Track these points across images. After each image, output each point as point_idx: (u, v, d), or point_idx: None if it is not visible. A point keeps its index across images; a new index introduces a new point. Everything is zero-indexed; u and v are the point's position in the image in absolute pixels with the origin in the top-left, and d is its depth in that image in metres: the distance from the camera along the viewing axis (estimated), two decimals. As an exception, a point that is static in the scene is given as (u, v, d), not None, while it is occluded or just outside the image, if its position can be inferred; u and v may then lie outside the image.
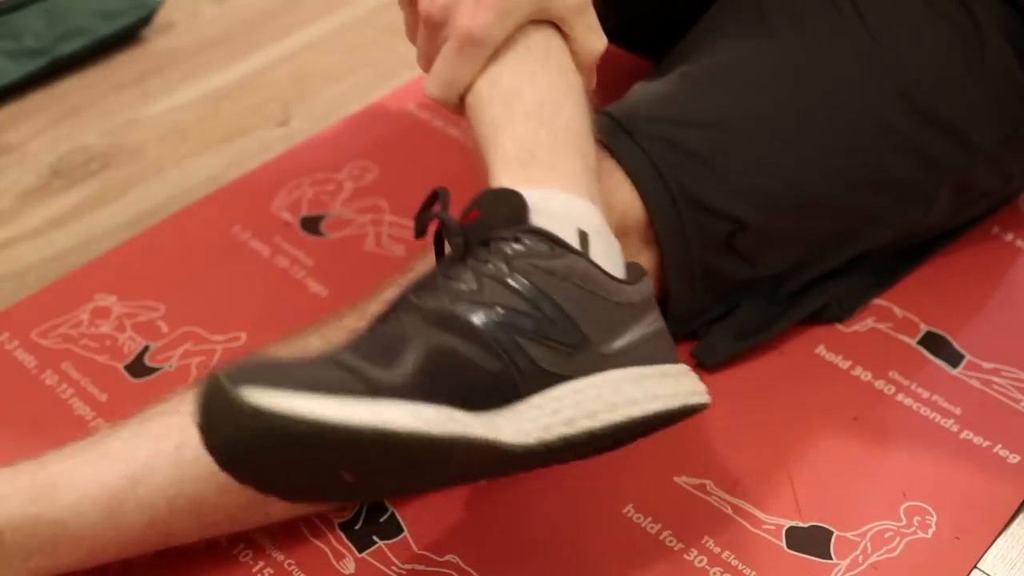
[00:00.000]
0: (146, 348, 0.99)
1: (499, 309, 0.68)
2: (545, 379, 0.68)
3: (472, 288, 0.69)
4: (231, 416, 0.60)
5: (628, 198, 0.87)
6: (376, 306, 0.82)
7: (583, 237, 0.73)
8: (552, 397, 0.68)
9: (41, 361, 0.98)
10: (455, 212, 0.74)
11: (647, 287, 0.75)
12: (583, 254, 0.72)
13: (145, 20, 1.36)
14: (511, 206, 0.72)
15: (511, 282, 0.69)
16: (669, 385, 0.73)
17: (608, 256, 0.74)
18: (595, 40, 0.79)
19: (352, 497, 0.73)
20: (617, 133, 0.89)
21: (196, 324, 1.00)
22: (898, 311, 1.00)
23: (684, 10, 1.01)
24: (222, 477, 0.75)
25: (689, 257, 0.89)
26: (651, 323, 0.74)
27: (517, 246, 0.70)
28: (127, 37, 1.35)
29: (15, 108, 1.27)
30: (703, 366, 0.94)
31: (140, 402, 0.92)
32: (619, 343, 0.71)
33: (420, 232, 0.75)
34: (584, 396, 0.69)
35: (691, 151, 0.88)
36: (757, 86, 0.91)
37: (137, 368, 0.97)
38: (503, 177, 0.74)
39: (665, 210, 0.87)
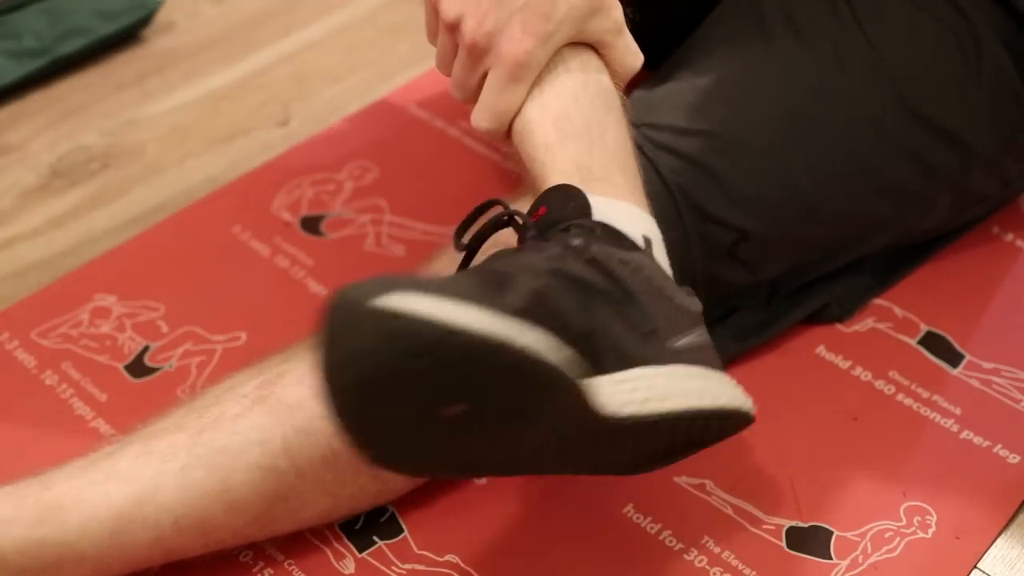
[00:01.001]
0: (146, 348, 0.99)
1: (587, 276, 0.68)
2: (623, 357, 0.68)
3: (557, 249, 0.69)
4: (363, 324, 0.60)
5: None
6: None
7: (647, 242, 0.74)
8: (630, 376, 0.68)
9: (41, 361, 0.98)
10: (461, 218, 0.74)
11: (698, 303, 0.76)
12: (651, 255, 0.73)
13: (145, 20, 1.36)
14: (577, 202, 0.72)
15: (592, 259, 0.69)
16: (728, 388, 0.74)
17: (665, 266, 0.75)
18: (632, 59, 0.80)
19: (445, 457, 0.68)
20: None
21: (196, 324, 1.00)
22: (898, 311, 1.00)
23: (683, 18, 1.01)
24: (229, 496, 0.76)
25: (693, 267, 0.89)
26: (703, 334, 0.75)
27: (593, 235, 0.71)
28: (127, 37, 1.35)
29: (15, 108, 1.27)
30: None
31: (140, 402, 0.93)
32: (682, 342, 0.72)
33: (468, 243, 0.75)
34: (657, 381, 0.69)
35: (695, 160, 0.88)
36: (758, 95, 0.91)
37: (137, 368, 0.97)
38: None
39: (670, 220, 0.87)
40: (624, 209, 0.74)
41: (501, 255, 0.71)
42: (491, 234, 0.75)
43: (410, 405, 0.62)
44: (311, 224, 1.10)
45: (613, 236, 0.72)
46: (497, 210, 0.75)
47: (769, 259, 0.92)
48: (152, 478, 0.75)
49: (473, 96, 0.80)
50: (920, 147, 0.93)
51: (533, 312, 0.64)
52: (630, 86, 0.90)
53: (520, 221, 0.73)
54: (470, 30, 0.76)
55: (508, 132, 0.79)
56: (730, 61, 0.92)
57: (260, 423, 0.77)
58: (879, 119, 0.91)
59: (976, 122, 0.94)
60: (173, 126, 1.24)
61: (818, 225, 0.93)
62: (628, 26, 0.80)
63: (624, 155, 0.78)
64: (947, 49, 0.93)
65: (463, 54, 0.78)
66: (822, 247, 0.95)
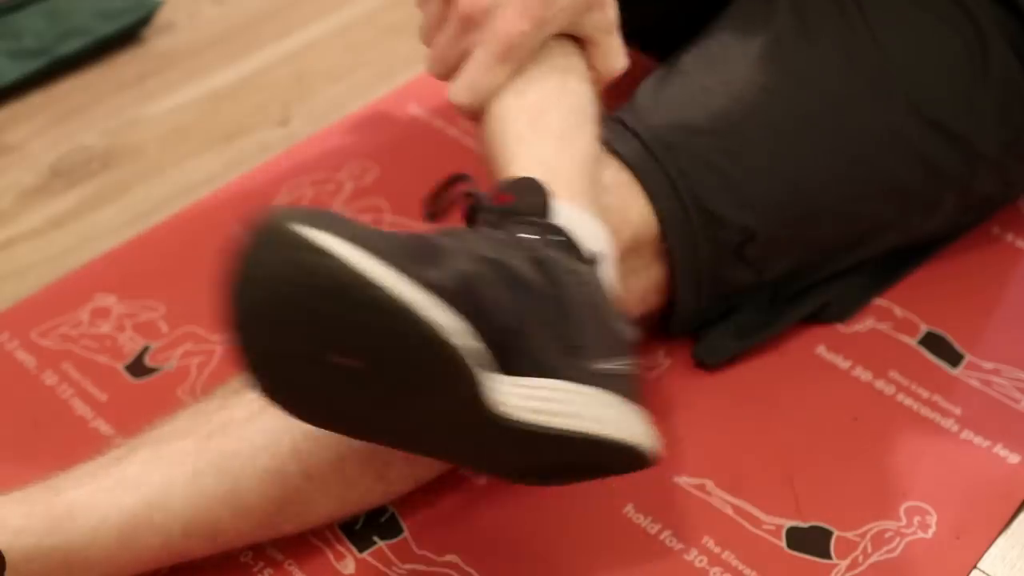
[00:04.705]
0: (146, 348, 0.99)
1: (528, 275, 0.67)
2: (536, 365, 0.67)
3: (508, 240, 0.69)
4: (281, 248, 0.59)
5: (644, 211, 0.87)
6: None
7: (598, 258, 0.73)
8: (530, 384, 0.67)
9: (41, 361, 0.98)
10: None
11: (633, 332, 0.74)
12: (598, 272, 0.72)
13: (145, 20, 1.36)
14: (541, 199, 0.72)
15: (540, 260, 0.68)
16: (636, 424, 0.71)
17: (610, 286, 0.74)
18: (616, 60, 0.80)
19: (332, 408, 0.68)
20: (628, 140, 0.88)
21: (196, 324, 1.00)
22: (898, 311, 1.00)
23: (692, 12, 1.00)
24: (238, 501, 0.75)
25: (699, 267, 0.89)
26: (631, 364, 0.73)
27: (549, 236, 0.70)
28: (127, 37, 1.35)
29: (15, 108, 1.27)
30: (704, 365, 0.94)
31: (140, 402, 0.93)
32: (605, 366, 0.70)
33: (435, 213, 0.74)
34: (556, 396, 0.67)
35: (703, 160, 0.88)
36: (768, 96, 0.91)
37: (137, 368, 0.97)
38: None
39: (678, 222, 0.87)
40: (584, 220, 0.73)
41: (451, 231, 0.69)
42: (453, 207, 0.74)
43: (305, 343, 0.62)
44: (311, 224, 1.10)
45: (567, 244, 0.71)
46: (465, 186, 0.74)
47: (775, 259, 0.92)
48: (161, 485, 0.75)
49: (449, 71, 0.79)
50: (927, 149, 0.93)
51: (453, 293, 0.63)
52: (634, 79, 0.91)
53: (481, 202, 0.72)
54: (467, 1, 0.76)
55: (480, 113, 0.79)
56: (739, 61, 0.92)
57: (268, 427, 0.77)
58: (887, 121, 0.92)
59: (982, 124, 0.94)
60: (173, 126, 1.24)
61: (825, 226, 0.93)
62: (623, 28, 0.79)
63: (591, 166, 0.78)
64: (954, 50, 0.93)
65: (454, 25, 0.77)
66: (827, 248, 0.95)
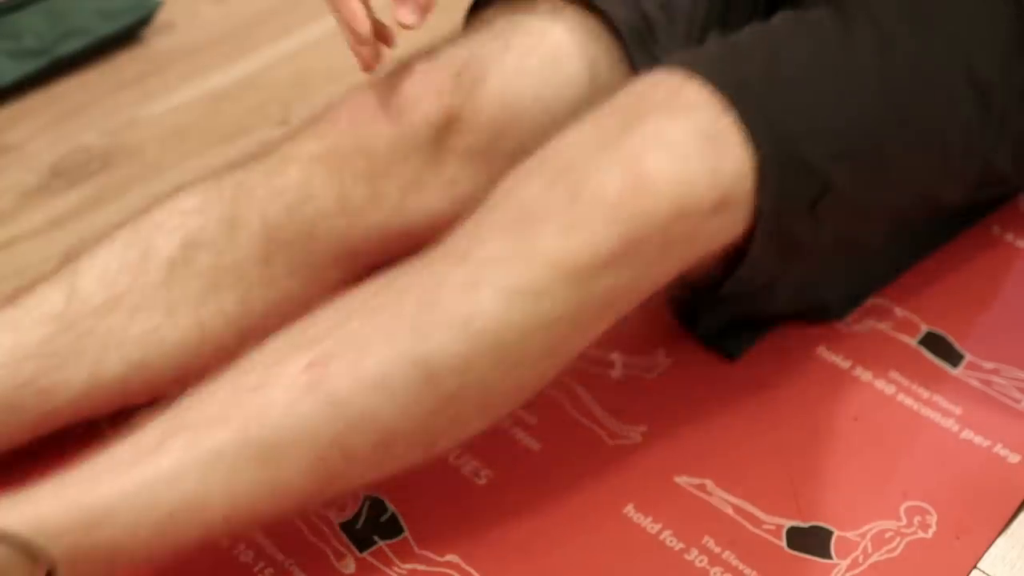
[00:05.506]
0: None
1: None
2: None
3: None
4: None
5: (741, 158, 0.82)
6: None
7: None
8: None
9: (41, 361, 0.98)
10: None
11: None
12: None
13: (145, 20, 1.36)
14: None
15: None
16: None
17: None
18: None
19: None
20: (727, 78, 0.83)
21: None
22: (898, 311, 1.00)
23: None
24: (279, 489, 0.75)
25: (780, 220, 0.85)
26: None
27: None
28: (127, 37, 1.35)
29: (15, 108, 1.27)
30: (729, 357, 0.96)
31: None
32: None
33: None
34: None
35: (798, 107, 0.85)
36: (846, 53, 0.88)
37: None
38: None
39: (774, 166, 0.83)
40: None
41: None
42: None
43: None
44: (311, 224, 1.10)
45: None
46: None
47: (834, 220, 0.89)
48: (201, 477, 0.74)
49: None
50: (972, 114, 0.91)
51: None
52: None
53: None
54: None
55: None
56: (811, 28, 0.90)
57: (311, 413, 0.75)
58: (950, 83, 0.90)
59: (1013, 100, 0.93)
60: (173, 126, 1.24)
61: (887, 188, 0.91)
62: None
63: None
64: (1004, 23, 0.92)
65: None
66: (874, 218, 0.93)
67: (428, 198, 0.92)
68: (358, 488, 0.83)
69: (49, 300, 0.86)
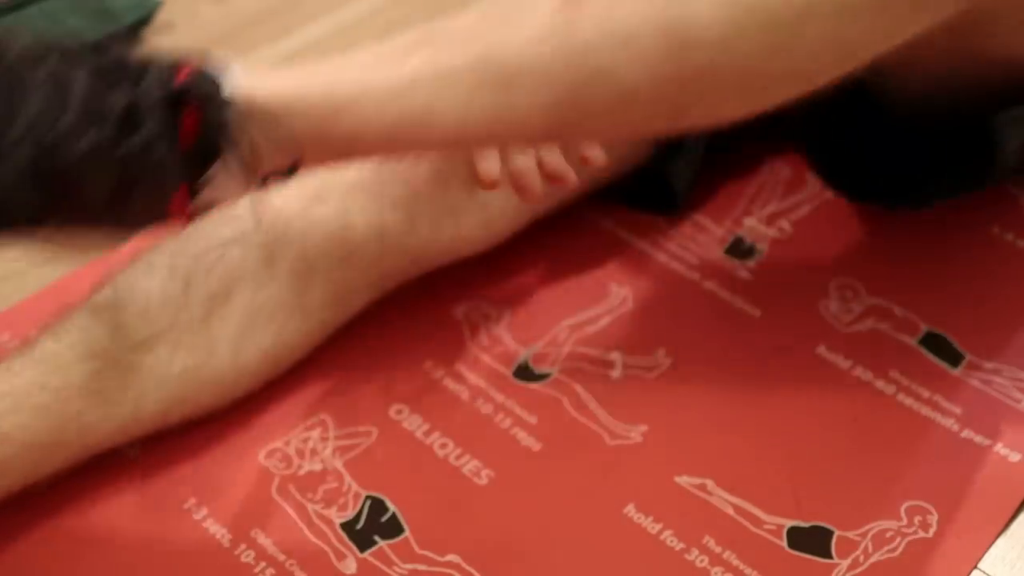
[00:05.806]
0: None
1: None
2: None
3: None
4: None
5: None
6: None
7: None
8: None
9: (41, 361, 0.98)
10: None
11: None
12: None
13: (145, 20, 1.36)
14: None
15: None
16: None
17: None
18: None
19: None
20: None
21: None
22: (898, 311, 1.00)
23: None
24: (509, 113, 0.71)
25: None
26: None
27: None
28: (127, 37, 1.35)
29: (15, 108, 1.26)
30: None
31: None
32: None
33: None
34: None
35: None
36: None
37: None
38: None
39: None
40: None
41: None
42: None
43: None
44: (311, 224, 1.10)
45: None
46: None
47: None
48: (435, 91, 0.70)
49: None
50: None
51: None
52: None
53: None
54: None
55: None
56: None
57: (551, 56, 0.70)
58: None
59: None
60: (173, 126, 1.24)
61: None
62: None
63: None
64: None
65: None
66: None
67: (462, 222, 0.92)
68: (591, 139, 0.85)
69: (92, 335, 0.85)
